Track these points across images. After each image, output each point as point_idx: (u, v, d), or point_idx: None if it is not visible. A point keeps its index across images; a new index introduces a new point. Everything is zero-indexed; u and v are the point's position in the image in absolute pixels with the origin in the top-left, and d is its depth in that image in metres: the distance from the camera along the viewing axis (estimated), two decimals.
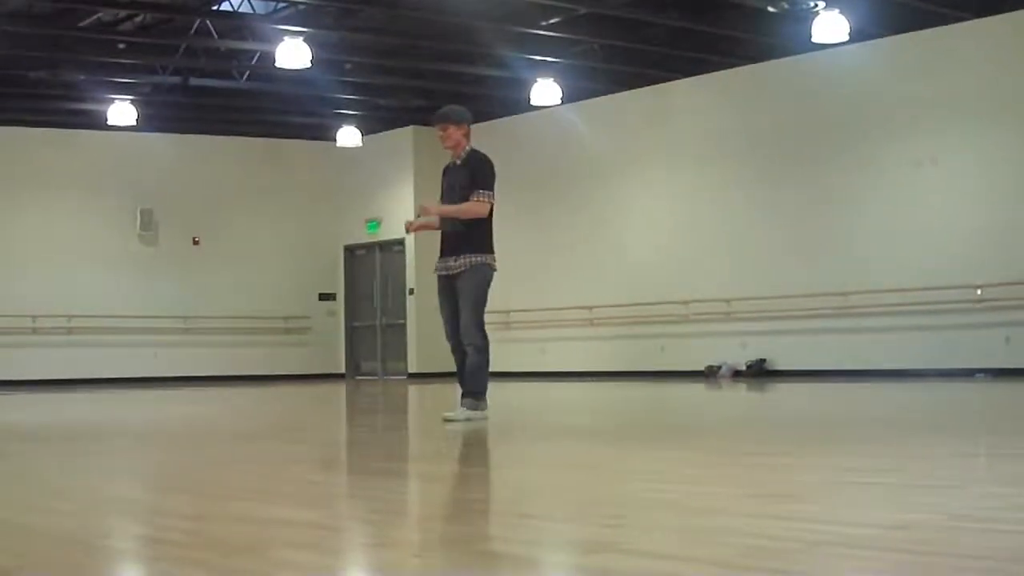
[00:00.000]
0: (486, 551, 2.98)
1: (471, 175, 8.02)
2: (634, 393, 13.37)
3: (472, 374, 8.01)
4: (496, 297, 22.64)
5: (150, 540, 3.35)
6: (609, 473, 4.97)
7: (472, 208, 7.95)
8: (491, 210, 8.04)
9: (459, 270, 8.00)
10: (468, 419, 7.84)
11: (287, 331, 21.92)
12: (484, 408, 8.04)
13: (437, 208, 8.22)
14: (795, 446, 5.98)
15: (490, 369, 8.12)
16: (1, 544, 3.23)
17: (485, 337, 8.01)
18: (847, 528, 3.20)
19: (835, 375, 15.60)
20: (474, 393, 8.01)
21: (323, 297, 22.35)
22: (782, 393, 12.79)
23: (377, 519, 3.78)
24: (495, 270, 8.08)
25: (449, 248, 8.11)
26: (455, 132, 8.07)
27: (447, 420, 7.87)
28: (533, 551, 3.04)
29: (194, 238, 21.40)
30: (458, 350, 8.10)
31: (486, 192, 7.98)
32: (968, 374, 14.68)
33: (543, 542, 3.20)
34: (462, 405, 7.99)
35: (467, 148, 8.12)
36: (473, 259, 7.97)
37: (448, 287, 8.11)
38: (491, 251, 8.05)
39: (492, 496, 4.26)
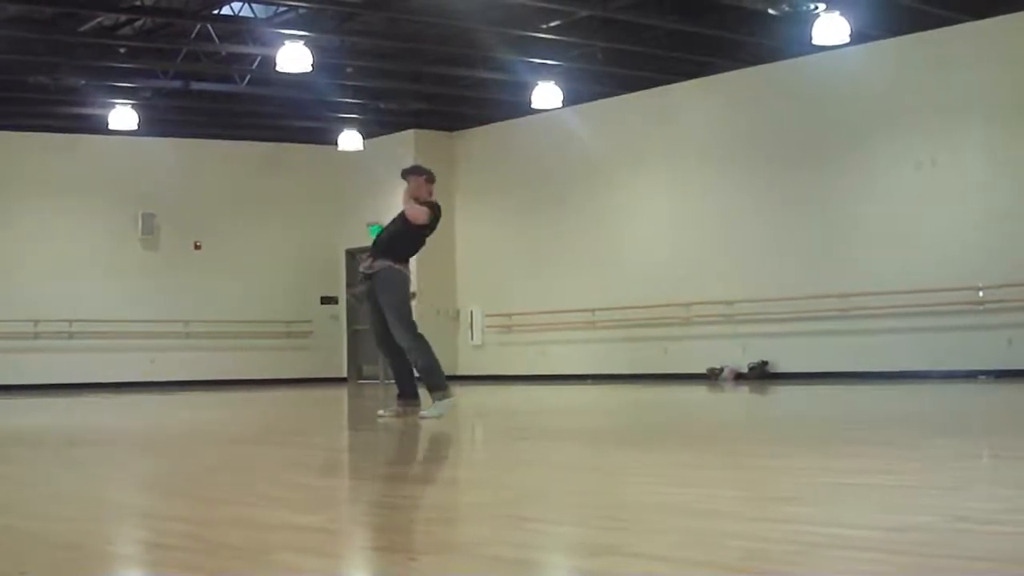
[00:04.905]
0: (487, 555, 2.98)
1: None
2: (636, 396, 13.37)
3: (426, 373, 8.83)
4: (498, 299, 22.68)
5: (151, 545, 3.35)
6: (610, 476, 4.97)
7: (414, 206, 8.88)
8: (422, 231, 8.96)
9: (374, 271, 8.84)
10: (441, 414, 8.62)
11: (289, 335, 21.91)
12: (451, 397, 8.80)
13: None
14: (797, 448, 5.98)
15: (438, 361, 8.87)
16: (2, 549, 3.23)
17: (419, 336, 8.82)
18: (848, 531, 3.20)
19: (837, 377, 15.58)
20: (436, 388, 8.77)
21: (325, 301, 22.35)
22: (784, 395, 12.79)
23: (378, 523, 3.78)
24: (408, 277, 8.94)
25: (373, 250, 9.00)
26: (424, 186, 9.08)
27: (423, 418, 8.57)
28: (534, 554, 3.04)
29: (195, 243, 21.39)
30: (382, 347, 9.03)
31: (425, 210, 8.92)
32: (970, 376, 14.66)
33: (544, 545, 3.20)
34: (433, 401, 8.73)
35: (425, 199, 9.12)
36: (386, 264, 8.83)
37: (371, 290, 8.91)
38: (406, 262, 8.96)
39: (493, 499, 4.26)
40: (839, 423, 8.08)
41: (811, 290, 16.22)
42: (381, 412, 9.16)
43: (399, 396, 9.01)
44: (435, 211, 9.08)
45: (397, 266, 8.86)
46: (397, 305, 8.80)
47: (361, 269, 9.07)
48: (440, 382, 8.78)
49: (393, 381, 9.18)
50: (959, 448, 5.88)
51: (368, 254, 9.06)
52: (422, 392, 8.97)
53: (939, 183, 15.23)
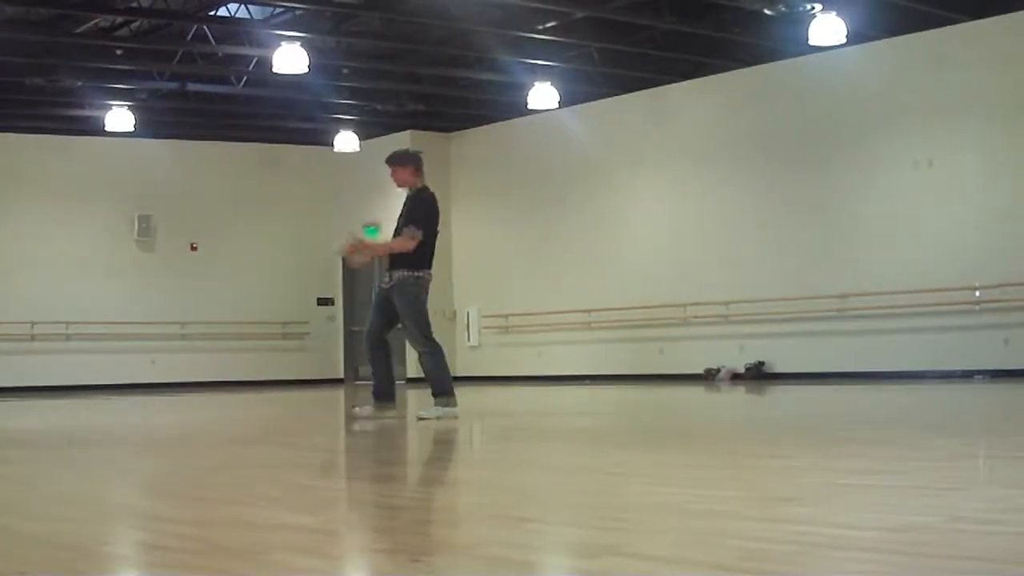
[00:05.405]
0: (486, 555, 2.98)
1: (408, 211, 8.86)
2: (633, 396, 13.36)
3: (432, 377, 8.83)
4: (495, 300, 22.62)
5: (150, 546, 3.35)
6: (608, 476, 4.97)
7: (397, 244, 8.75)
8: (429, 236, 8.76)
9: (392, 284, 8.79)
10: (439, 417, 8.60)
11: (285, 336, 21.91)
12: (454, 406, 8.76)
13: (368, 243, 9.36)
14: (794, 448, 5.98)
15: (448, 370, 8.96)
16: (2, 549, 3.23)
17: (433, 342, 8.81)
18: (846, 531, 3.20)
19: (834, 377, 15.60)
20: (441, 393, 8.77)
21: (321, 302, 22.34)
22: (781, 396, 12.78)
23: (377, 523, 3.78)
24: (428, 281, 8.85)
25: (388, 262, 8.94)
26: (401, 172, 8.90)
27: (421, 419, 8.57)
28: (533, 555, 3.04)
29: (192, 244, 21.39)
30: (371, 351, 8.99)
31: (414, 229, 8.71)
32: (967, 376, 14.68)
33: (543, 546, 3.20)
34: (435, 404, 8.74)
35: (417, 185, 8.91)
36: (403, 274, 8.73)
37: (383, 298, 8.90)
38: (424, 267, 8.82)
39: (491, 500, 4.25)
40: (839, 423, 8.07)
41: (808, 290, 16.22)
42: (355, 407, 9.21)
43: (375, 395, 9.02)
44: (430, 204, 8.87)
45: (417, 274, 8.78)
46: (413, 312, 8.78)
47: (381, 285, 8.99)
48: (445, 388, 8.79)
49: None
50: (958, 448, 5.88)
51: (386, 267, 8.98)
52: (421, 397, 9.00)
53: (937, 183, 15.24)
